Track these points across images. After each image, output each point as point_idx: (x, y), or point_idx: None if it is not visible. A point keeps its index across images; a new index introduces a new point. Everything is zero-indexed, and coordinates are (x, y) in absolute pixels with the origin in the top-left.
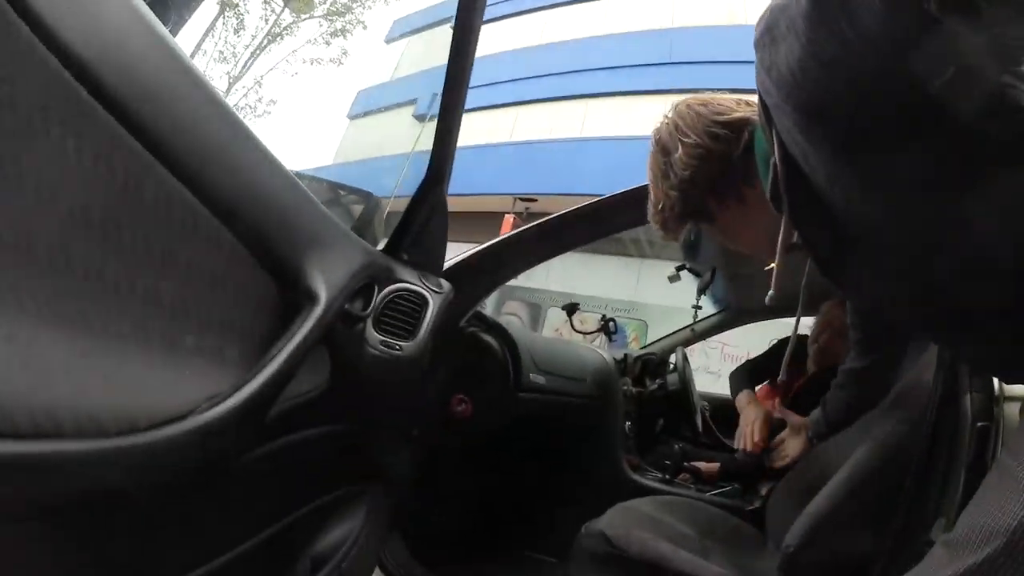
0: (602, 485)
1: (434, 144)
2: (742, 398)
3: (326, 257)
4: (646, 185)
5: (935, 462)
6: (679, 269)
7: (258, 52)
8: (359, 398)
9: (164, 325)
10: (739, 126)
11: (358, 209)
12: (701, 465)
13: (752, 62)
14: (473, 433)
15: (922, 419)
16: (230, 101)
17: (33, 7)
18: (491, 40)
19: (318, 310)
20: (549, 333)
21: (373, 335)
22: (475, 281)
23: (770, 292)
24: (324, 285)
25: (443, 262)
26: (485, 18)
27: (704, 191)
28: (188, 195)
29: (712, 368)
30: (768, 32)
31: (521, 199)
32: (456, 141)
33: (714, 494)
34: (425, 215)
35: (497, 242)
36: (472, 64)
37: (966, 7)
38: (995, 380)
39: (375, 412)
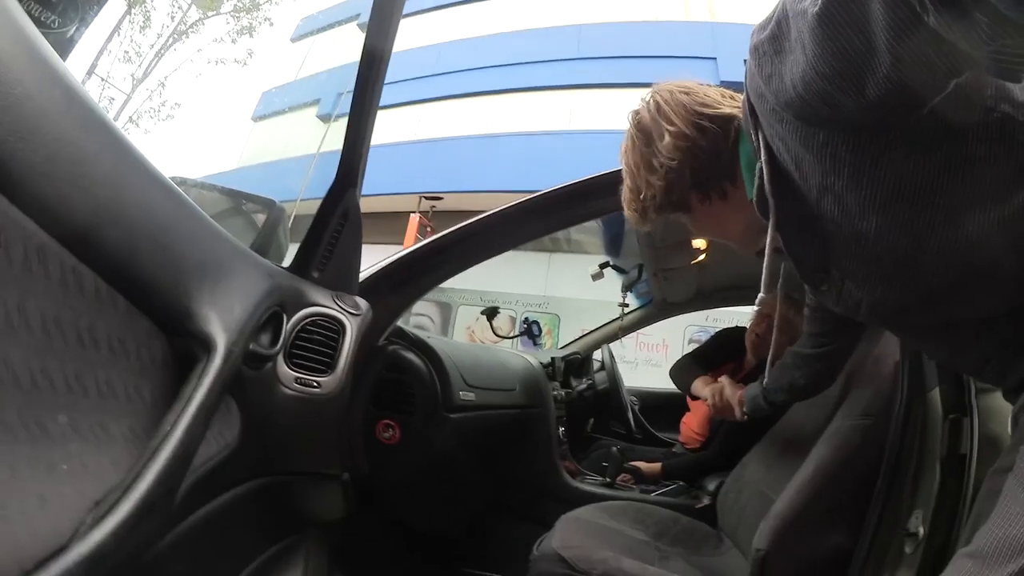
0: (543, 494)
1: (344, 145)
2: (698, 384)
3: (221, 289)
4: (570, 184)
5: (906, 455)
6: (603, 267)
7: (163, 51)
8: (276, 444)
9: (23, 405)
10: (726, 121)
11: (262, 219)
12: (641, 465)
13: (662, 57)
14: (403, 459)
15: (885, 413)
16: (133, 104)
17: None
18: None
19: (216, 360)
20: (461, 332)
21: (286, 372)
22: (394, 293)
23: (760, 295)
24: (221, 327)
25: (358, 277)
26: None
27: (689, 184)
28: (31, 226)
29: (628, 357)
30: (774, 41)
31: (427, 198)
32: (369, 143)
33: (659, 494)
34: (336, 224)
35: (415, 249)
36: (387, 61)
37: (963, 18)
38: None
39: (297, 458)
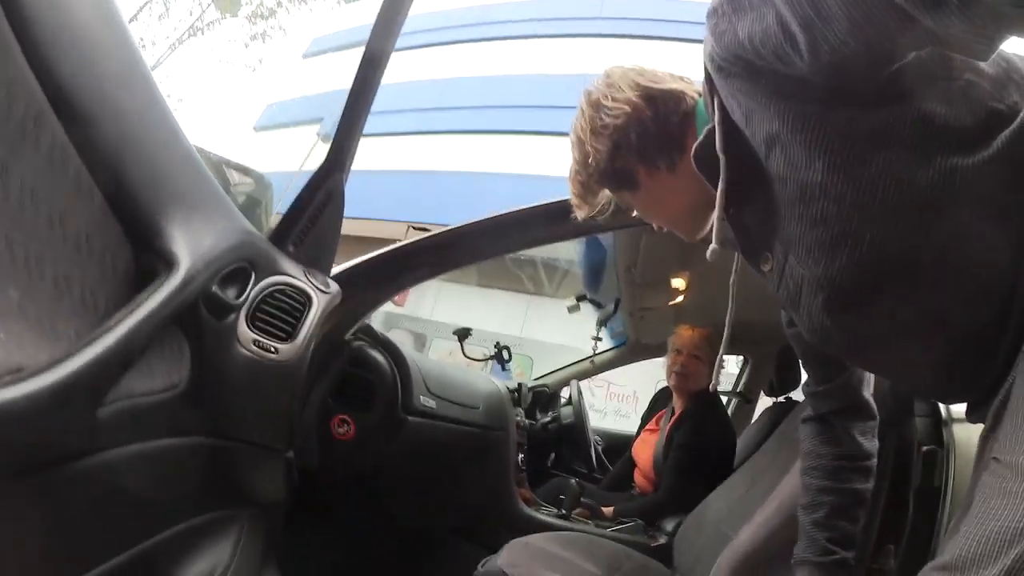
0: (494, 518)
1: (337, 130)
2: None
3: (195, 220)
4: (548, 203)
5: (880, 486)
6: (579, 299)
7: (176, 45)
8: (224, 405)
9: None
10: (677, 95)
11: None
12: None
13: None
14: (355, 457)
15: None
16: None
17: None
18: (401, 68)
19: (175, 279)
20: None
21: (245, 331)
22: (366, 289)
23: (711, 247)
24: (187, 250)
25: (332, 260)
26: (399, 46)
27: (635, 151)
28: (38, 91)
29: (597, 406)
30: (731, 1)
31: (414, 227)
32: (361, 132)
33: (615, 530)
34: (319, 204)
35: (393, 249)
36: (389, 57)
37: (931, 1)
38: (941, 405)
39: (243, 424)
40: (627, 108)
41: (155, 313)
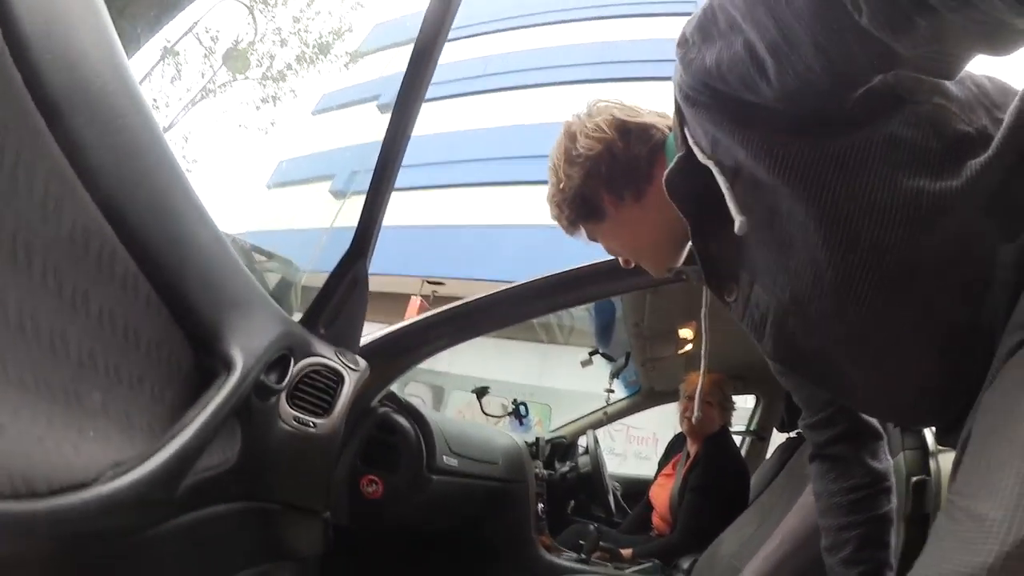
0: (516, 565)
1: (360, 218)
2: (655, 487)
3: (246, 322)
4: (560, 272)
5: None
6: (592, 354)
7: (190, 106)
8: (270, 474)
9: (70, 376)
10: (648, 128)
11: (272, 277)
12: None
13: None
14: (383, 515)
15: None
16: None
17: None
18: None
19: (234, 379)
20: (452, 415)
21: (287, 410)
22: (390, 360)
23: (678, 266)
24: (242, 353)
25: (360, 338)
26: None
27: (603, 182)
28: (108, 230)
29: (617, 450)
30: (702, 29)
31: (429, 282)
32: (382, 218)
33: (634, 571)
34: (345, 289)
35: (415, 322)
36: (407, 142)
37: (899, 24)
38: (928, 436)
39: (286, 490)
40: (601, 140)
41: (221, 408)
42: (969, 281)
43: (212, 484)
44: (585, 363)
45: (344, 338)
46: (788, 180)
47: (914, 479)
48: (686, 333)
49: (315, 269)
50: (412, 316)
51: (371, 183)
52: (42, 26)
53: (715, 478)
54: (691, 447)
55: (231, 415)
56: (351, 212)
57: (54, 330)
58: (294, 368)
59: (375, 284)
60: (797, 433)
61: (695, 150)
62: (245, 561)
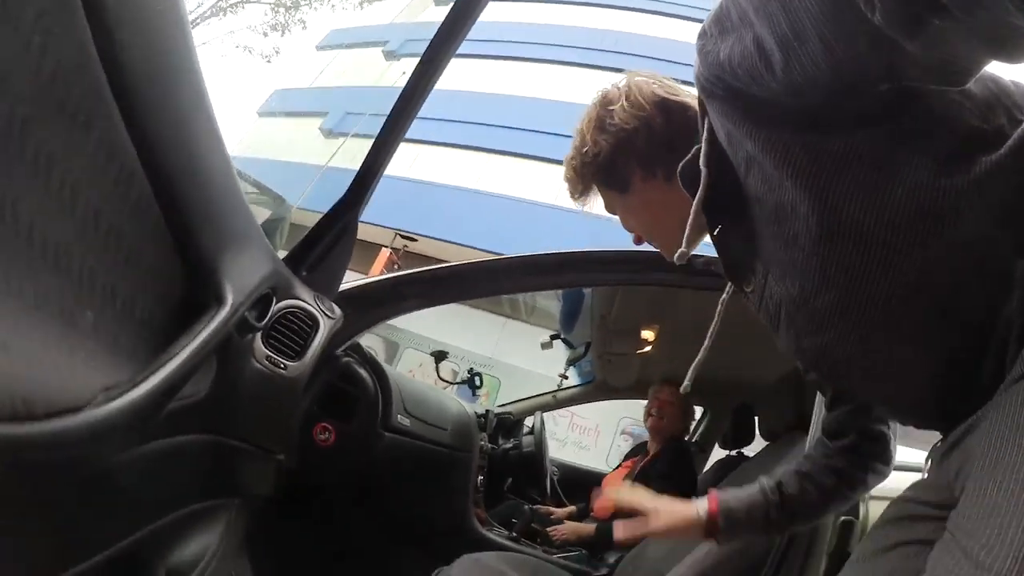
0: (451, 533)
1: (361, 168)
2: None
3: (240, 258)
4: (545, 253)
5: (795, 551)
6: (553, 338)
7: (198, 21)
8: (236, 411)
9: (66, 293)
10: (687, 108)
11: (261, 211)
12: (555, 509)
13: None
14: (332, 464)
15: None
16: None
17: None
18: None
19: (224, 313)
20: (403, 373)
21: (261, 348)
22: (362, 312)
23: (680, 250)
24: (233, 288)
25: (339, 287)
26: (408, 51)
27: (638, 155)
28: (131, 151)
29: (559, 435)
30: (718, 22)
31: (402, 235)
32: (383, 171)
33: (561, 557)
34: (334, 235)
35: (392, 277)
36: (422, 103)
37: (912, 24)
38: None
39: (248, 428)
40: (641, 114)
41: (208, 341)
42: (983, 286)
43: (180, 415)
44: (545, 346)
45: (324, 284)
46: (791, 175)
47: (842, 519)
48: (648, 334)
49: (304, 207)
50: (380, 267)
51: (380, 133)
52: None
53: (672, 478)
54: (651, 446)
55: (215, 349)
56: (344, 154)
57: (59, 244)
58: (274, 307)
59: None
60: (738, 452)
61: (701, 153)
62: (198, 494)
